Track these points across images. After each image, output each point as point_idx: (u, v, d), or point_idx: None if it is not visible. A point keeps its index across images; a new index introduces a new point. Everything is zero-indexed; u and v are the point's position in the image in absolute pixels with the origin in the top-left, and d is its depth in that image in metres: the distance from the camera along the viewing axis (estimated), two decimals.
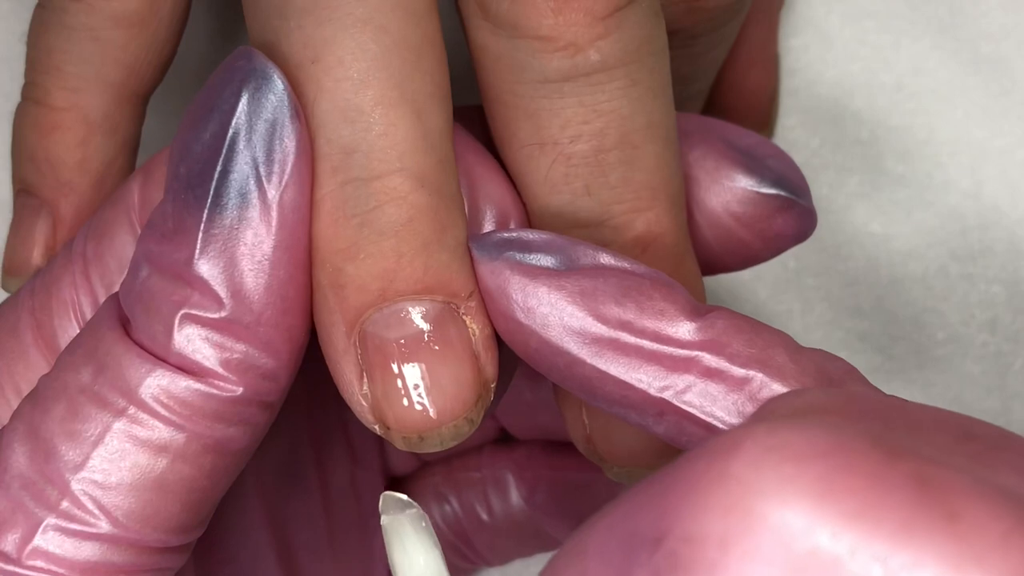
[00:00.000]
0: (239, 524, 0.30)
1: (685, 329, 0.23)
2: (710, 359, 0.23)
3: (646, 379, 0.23)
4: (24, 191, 0.33)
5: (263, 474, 0.31)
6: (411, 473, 0.36)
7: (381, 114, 0.24)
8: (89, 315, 0.26)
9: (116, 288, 0.26)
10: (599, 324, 0.24)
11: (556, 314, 0.24)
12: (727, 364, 0.23)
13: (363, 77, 0.24)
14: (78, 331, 0.26)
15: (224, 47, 0.40)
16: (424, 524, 0.24)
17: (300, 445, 0.32)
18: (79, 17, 0.32)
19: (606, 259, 0.24)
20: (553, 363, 0.24)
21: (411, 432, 0.24)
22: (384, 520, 0.24)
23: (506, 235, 0.25)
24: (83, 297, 0.26)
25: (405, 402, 0.24)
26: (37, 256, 0.33)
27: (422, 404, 0.24)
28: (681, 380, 0.23)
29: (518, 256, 0.25)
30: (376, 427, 0.24)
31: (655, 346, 0.23)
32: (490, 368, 0.25)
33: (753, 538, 0.16)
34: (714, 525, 0.16)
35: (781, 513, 0.16)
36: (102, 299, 0.26)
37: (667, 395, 0.23)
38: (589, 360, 0.24)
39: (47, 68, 0.32)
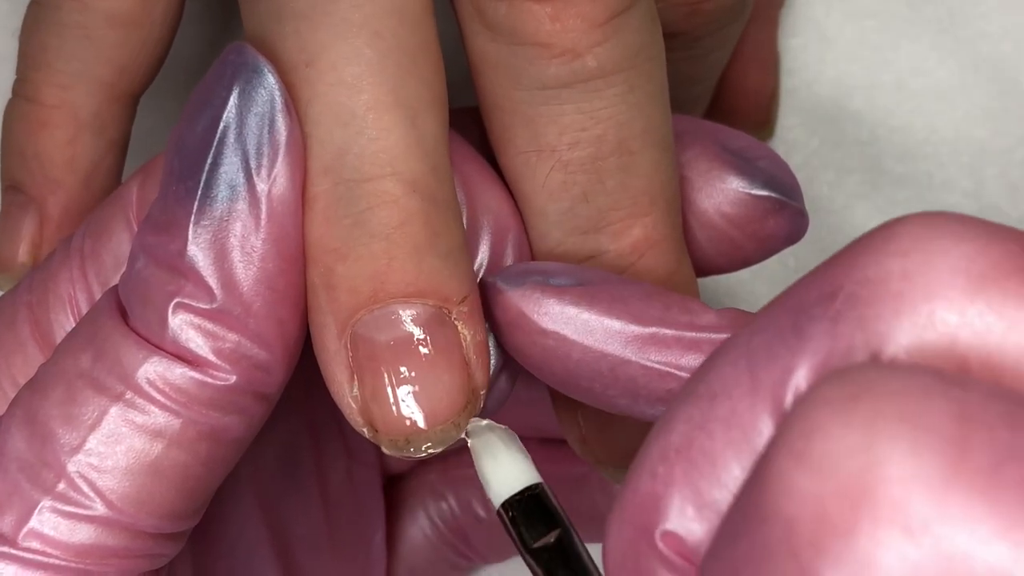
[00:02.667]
0: (236, 517, 0.30)
1: (712, 318, 0.24)
2: None
3: (690, 365, 0.24)
4: (12, 187, 0.33)
5: (260, 469, 0.31)
6: (407, 471, 0.36)
7: (374, 119, 0.24)
8: (86, 311, 0.26)
9: (112, 285, 0.26)
10: (638, 323, 0.24)
11: (595, 320, 0.24)
12: None
13: (357, 82, 0.24)
14: (69, 332, 0.26)
15: (222, 47, 0.40)
16: (512, 436, 0.24)
17: (297, 441, 0.32)
18: (73, 15, 0.32)
19: (615, 277, 0.25)
20: (597, 370, 0.24)
21: (398, 435, 0.24)
22: (471, 441, 0.24)
23: (524, 266, 0.25)
24: (80, 293, 0.26)
25: (393, 405, 0.24)
26: (23, 253, 0.33)
27: (410, 408, 0.24)
28: None
29: (541, 279, 0.25)
30: (365, 430, 0.24)
31: (693, 334, 0.24)
32: (480, 375, 0.25)
33: (937, 267, 0.17)
34: (894, 264, 0.17)
35: (959, 245, 0.17)
36: (98, 296, 0.26)
37: None
38: (634, 358, 0.24)
39: (39, 65, 0.32)
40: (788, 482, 0.16)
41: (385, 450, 0.24)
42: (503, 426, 0.25)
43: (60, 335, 0.26)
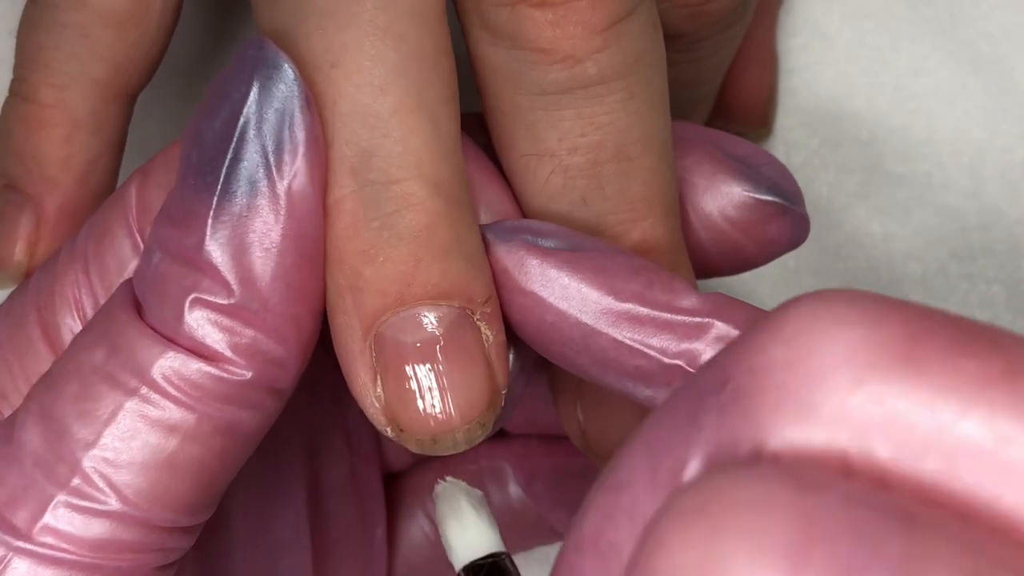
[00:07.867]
0: (240, 512, 0.30)
1: (694, 301, 0.24)
2: (721, 326, 0.24)
3: (659, 346, 0.24)
4: (9, 186, 0.33)
5: (264, 463, 0.31)
6: (406, 469, 0.36)
7: (399, 121, 0.24)
8: (91, 314, 0.26)
9: (116, 288, 0.26)
10: (615, 296, 0.24)
11: (574, 287, 0.25)
12: (736, 332, 0.24)
13: (383, 84, 0.24)
14: (81, 328, 0.26)
15: (222, 47, 0.40)
16: (481, 500, 0.25)
17: (300, 436, 0.32)
18: (70, 14, 0.32)
19: (607, 247, 0.25)
20: (569, 336, 0.25)
21: (424, 435, 0.24)
22: (438, 503, 0.25)
23: (516, 223, 0.26)
24: (85, 297, 0.27)
25: (420, 405, 0.24)
26: (19, 252, 0.32)
27: (435, 408, 0.24)
28: (694, 347, 0.24)
29: (531, 239, 0.25)
30: (388, 429, 0.25)
31: (668, 316, 0.24)
32: (501, 375, 0.25)
33: (818, 355, 0.17)
34: (778, 352, 0.17)
35: (844, 331, 0.17)
36: (102, 299, 0.26)
37: (680, 362, 0.24)
38: (605, 330, 0.24)
39: (36, 64, 0.32)
40: None
41: (411, 449, 0.24)
42: (476, 490, 0.25)
43: (67, 337, 0.26)
